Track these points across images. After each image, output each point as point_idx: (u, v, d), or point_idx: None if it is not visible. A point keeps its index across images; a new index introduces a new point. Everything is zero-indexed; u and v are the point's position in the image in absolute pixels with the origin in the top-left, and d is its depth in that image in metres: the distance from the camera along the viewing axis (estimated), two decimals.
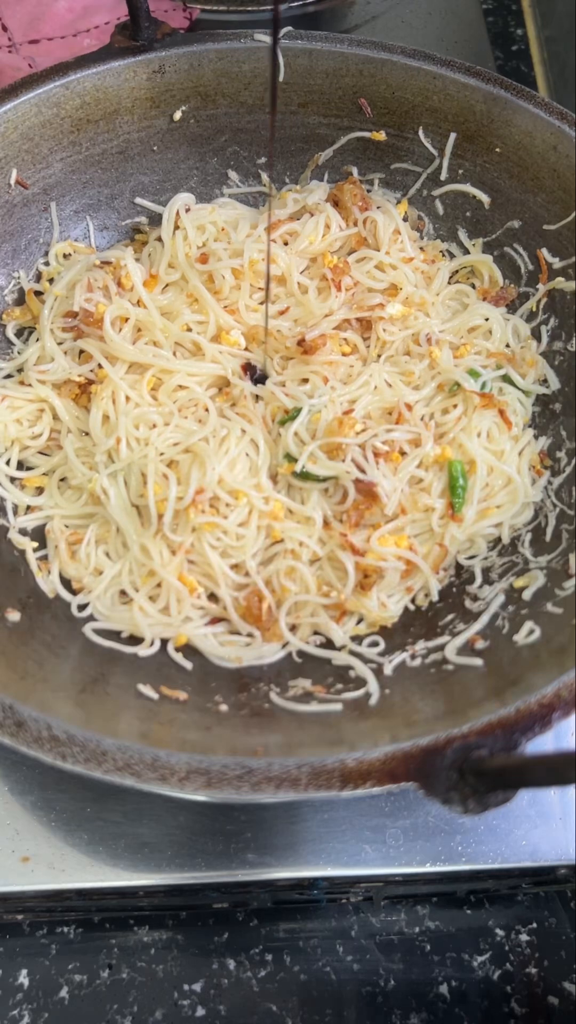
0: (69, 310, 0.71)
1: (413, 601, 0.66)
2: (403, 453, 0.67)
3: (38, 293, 0.74)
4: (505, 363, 0.72)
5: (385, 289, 0.75)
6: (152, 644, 0.62)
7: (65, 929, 0.67)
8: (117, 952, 0.66)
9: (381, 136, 0.79)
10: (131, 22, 0.74)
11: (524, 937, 0.67)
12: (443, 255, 0.79)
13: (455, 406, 0.70)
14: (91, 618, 0.63)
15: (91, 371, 0.70)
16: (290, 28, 0.76)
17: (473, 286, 0.78)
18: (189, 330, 0.71)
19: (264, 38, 0.75)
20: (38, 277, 0.75)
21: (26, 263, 0.75)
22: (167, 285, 0.74)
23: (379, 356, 0.74)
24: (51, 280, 0.75)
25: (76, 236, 0.77)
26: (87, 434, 0.69)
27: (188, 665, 0.61)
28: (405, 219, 0.79)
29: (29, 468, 0.70)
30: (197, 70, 0.76)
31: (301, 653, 0.63)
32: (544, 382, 0.72)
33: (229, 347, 0.71)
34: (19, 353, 0.73)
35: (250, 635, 0.63)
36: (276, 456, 0.67)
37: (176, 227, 0.73)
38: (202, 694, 0.59)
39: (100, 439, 0.67)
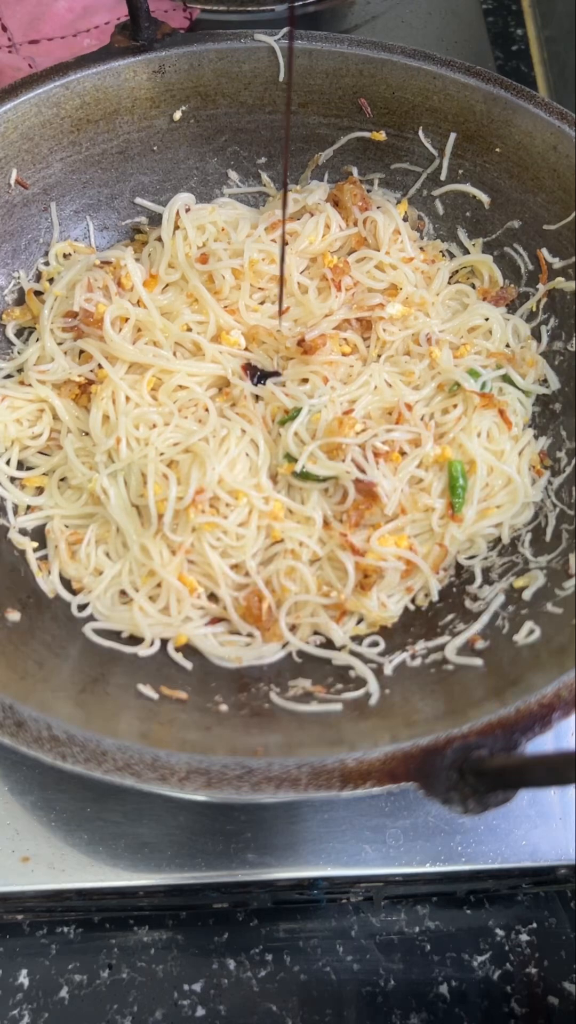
0: (69, 310, 0.71)
1: (413, 601, 0.66)
2: (403, 453, 0.67)
3: (38, 293, 0.74)
4: (505, 363, 0.72)
5: (385, 289, 0.75)
6: (152, 644, 0.62)
7: (65, 929, 0.67)
8: (117, 952, 0.66)
9: (381, 136, 0.79)
10: (131, 22, 0.74)
11: (524, 937, 0.67)
12: (443, 255, 0.79)
13: (455, 406, 0.70)
14: (91, 618, 0.63)
15: (91, 371, 0.70)
16: (290, 28, 0.76)
17: (473, 286, 0.78)
18: (189, 330, 0.71)
19: (264, 38, 0.75)
20: (38, 277, 0.76)
21: (26, 263, 0.75)
22: (167, 285, 0.74)
23: (379, 356, 0.74)
24: (51, 280, 0.75)
25: (76, 236, 0.78)
26: (87, 434, 0.69)
27: (188, 665, 0.61)
28: (405, 219, 0.79)
29: (29, 468, 0.71)
30: (197, 70, 0.76)
31: (301, 653, 0.63)
32: (544, 382, 0.72)
33: (229, 347, 0.71)
34: (19, 353, 0.73)
35: (250, 635, 0.63)
36: (276, 456, 0.67)
37: (176, 227, 0.73)
38: (202, 694, 0.59)
39: (100, 439, 0.67)
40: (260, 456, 0.67)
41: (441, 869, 0.62)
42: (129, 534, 0.64)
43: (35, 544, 0.66)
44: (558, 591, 0.59)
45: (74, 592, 0.65)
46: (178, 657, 0.62)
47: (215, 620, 0.64)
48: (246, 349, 0.72)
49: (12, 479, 0.69)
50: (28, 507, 0.68)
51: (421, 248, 0.79)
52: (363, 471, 0.64)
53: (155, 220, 0.79)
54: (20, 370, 0.72)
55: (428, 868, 0.62)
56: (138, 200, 0.79)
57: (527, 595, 0.61)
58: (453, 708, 0.52)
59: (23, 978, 0.65)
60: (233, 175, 0.81)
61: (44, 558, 0.66)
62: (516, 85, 0.73)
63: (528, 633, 0.57)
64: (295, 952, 0.66)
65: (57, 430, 0.71)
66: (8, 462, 0.69)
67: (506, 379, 0.72)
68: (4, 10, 0.96)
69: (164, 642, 0.63)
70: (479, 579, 0.65)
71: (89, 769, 0.47)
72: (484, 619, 0.61)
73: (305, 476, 0.66)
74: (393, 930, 0.67)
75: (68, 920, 0.67)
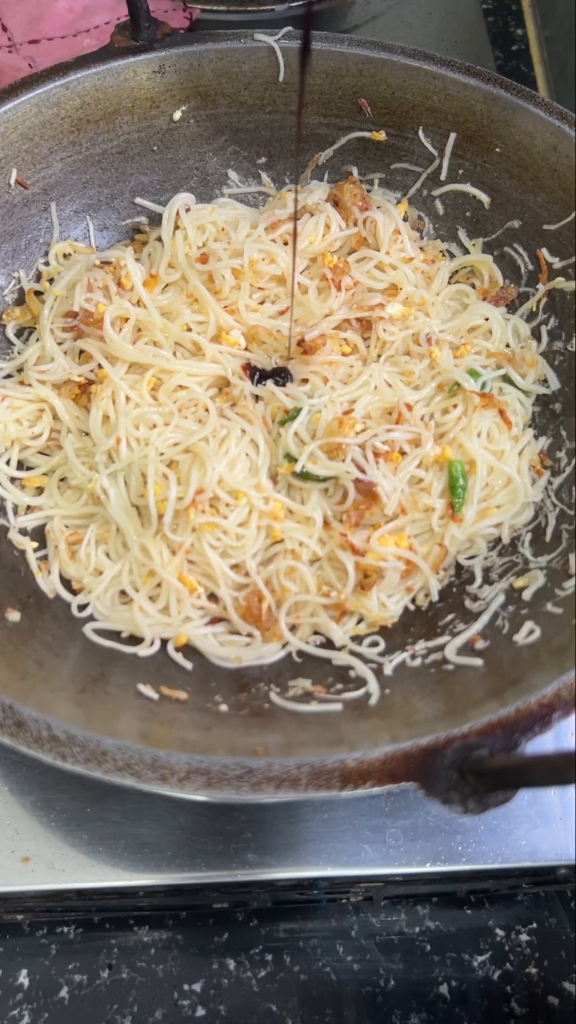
0: (69, 310, 0.71)
1: (413, 601, 0.66)
2: (403, 453, 0.67)
3: (38, 293, 0.74)
4: (505, 363, 0.72)
5: (385, 289, 0.75)
6: (152, 644, 0.62)
7: (65, 929, 0.67)
8: (117, 952, 0.66)
9: (381, 136, 0.79)
10: (131, 22, 0.74)
11: (524, 937, 0.67)
12: (443, 255, 0.79)
13: (455, 406, 0.70)
14: (91, 618, 0.63)
15: (91, 371, 0.70)
16: (290, 28, 0.76)
17: (473, 286, 0.78)
18: (189, 330, 0.71)
19: (264, 38, 0.75)
20: (38, 277, 0.76)
21: (26, 263, 0.75)
22: (167, 285, 0.74)
23: (379, 356, 0.74)
24: (51, 280, 0.75)
25: (76, 236, 0.77)
26: (87, 434, 0.69)
27: (188, 665, 0.61)
28: (405, 219, 0.79)
29: (29, 468, 0.71)
30: (197, 70, 0.76)
31: (301, 653, 0.63)
32: (544, 382, 0.72)
33: (229, 347, 0.71)
34: (19, 353, 0.73)
35: (250, 635, 0.63)
36: (276, 456, 0.67)
37: (176, 227, 0.73)
38: (202, 694, 0.59)
39: (100, 439, 0.67)
40: (260, 456, 0.67)
41: (441, 869, 0.62)
42: (129, 534, 0.64)
43: (35, 544, 0.66)
44: (558, 591, 0.59)
45: (74, 592, 0.65)
46: (178, 657, 0.62)
47: (215, 620, 0.64)
48: (246, 349, 0.72)
49: (12, 479, 0.69)
50: (28, 507, 0.68)
51: (421, 248, 0.79)
52: (363, 471, 0.64)
53: (155, 220, 0.79)
54: (20, 370, 0.72)
55: (428, 868, 0.61)
56: (138, 200, 0.79)
57: (527, 595, 0.61)
58: (453, 708, 0.52)
59: (23, 978, 0.65)
60: (233, 175, 0.81)
61: (44, 558, 0.66)
62: (516, 85, 0.73)
63: (528, 633, 0.57)
64: (295, 952, 0.66)
65: (57, 430, 0.71)
66: (8, 462, 0.69)
67: (506, 379, 0.72)
68: (4, 10, 0.96)
69: (164, 642, 0.63)
70: (479, 579, 0.65)
71: (89, 769, 0.47)
72: (484, 619, 0.61)
73: (305, 476, 0.65)
74: (393, 930, 0.67)
75: (68, 920, 0.67)
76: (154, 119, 0.77)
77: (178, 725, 0.54)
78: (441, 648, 0.60)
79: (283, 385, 0.70)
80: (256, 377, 0.71)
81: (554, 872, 0.64)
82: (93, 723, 0.50)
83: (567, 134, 0.70)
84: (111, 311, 0.69)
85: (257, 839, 0.62)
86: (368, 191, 0.79)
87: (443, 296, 0.76)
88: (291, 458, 0.66)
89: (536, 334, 0.74)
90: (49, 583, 0.65)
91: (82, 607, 0.64)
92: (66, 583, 0.65)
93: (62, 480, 0.69)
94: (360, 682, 0.59)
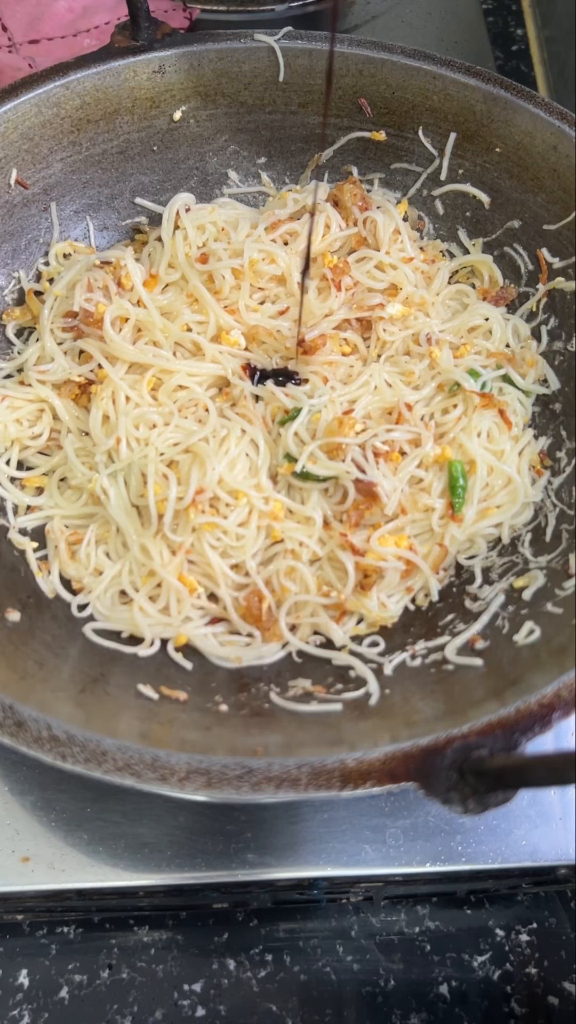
0: (69, 310, 0.71)
1: (413, 601, 0.66)
2: (403, 453, 0.67)
3: (38, 293, 0.74)
4: (505, 363, 0.72)
5: (385, 289, 0.75)
6: (152, 644, 0.62)
7: (65, 929, 0.67)
8: (117, 952, 0.66)
9: (381, 136, 0.79)
10: (131, 22, 0.74)
11: (524, 937, 0.67)
12: (443, 255, 0.79)
13: (455, 406, 0.70)
14: (91, 618, 0.63)
15: (91, 371, 0.70)
16: (290, 28, 0.76)
17: (473, 286, 0.78)
18: (189, 330, 0.71)
19: (264, 38, 0.75)
20: (38, 277, 0.76)
21: (26, 263, 0.75)
22: (167, 285, 0.74)
23: (379, 356, 0.74)
24: (51, 280, 0.75)
25: (76, 236, 0.78)
26: (87, 434, 0.69)
27: (188, 665, 0.61)
28: (405, 219, 0.79)
29: (29, 468, 0.71)
30: (197, 70, 0.76)
31: (301, 653, 0.63)
32: (544, 382, 0.72)
33: (229, 347, 0.71)
34: (19, 353, 0.73)
35: (250, 635, 0.63)
36: (276, 456, 0.67)
37: (176, 227, 0.73)
38: (202, 694, 0.59)
39: (100, 439, 0.67)
40: (260, 456, 0.67)
41: (441, 869, 0.62)
42: (129, 534, 0.64)
43: (35, 544, 0.66)
44: (558, 591, 0.59)
45: (74, 592, 0.65)
46: (178, 657, 0.62)
47: (215, 620, 0.64)
48: (246, 349, 0.72)
49: (12, 479, 0.69)
50: (28, 507, 0.68)
51: (421, 248, 0.79)
52: (363, 471, 0.64)
53: (155, 220, 0.79)
54: (20, 370, 0.72)
55: (428, 868, 0.61)
56: (138, 200, 0.79)
57: (527, 595, 0.61)
58: (453, 708, 0.52)
59: (23, 978, 0.65)
60: (233, 175, 0.81)
61: (44, 558, 0.66)
62: (516, 85, 0.73)
63: (528, 633, 0.57)
64: (295, 952, 0.66)
65: (57, 430, 0.71)
66: (8, 462, 0.69)
67: (506, 379, 0.72)
68: (4, 10, 0.96)
69: (164, 642, 0.63)
70: (479, 579, 0.65)
71: (89, 769, 0.47)
72: (484, 619, 0.61)
73: (305, 476, 0.65)
74: (393, 930, 0.67)
75: (68, 920, 0.67)
76: (154, 119, 0.77)
77: (178, 725, 0.54)
78: (441, 648, 0.60)
79: (285, 385, 0.70)
80: (256, 377, 0.71)
81: (554, 872, 0.64)
82: (93, 723, 0.50)
83: (567, 134, 0.70)
84: (111, 311, 0.69)
85: (257, 839, 0.62)
86: (368, 191, 0.79)
87: (443, 296, 0.76)
88: (291, 458, 0.66)
89: (536, 334, 0.74)
90: (49, 583, 0.65)
91: (82, 607, 0.64)
92: (66, 583, 0.65)
93: (62, 480, 0.69)
94: (360, 682, 0.59)
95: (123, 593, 0.64)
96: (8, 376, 0.72)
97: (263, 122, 0.79)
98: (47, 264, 0.76)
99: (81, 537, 0.66)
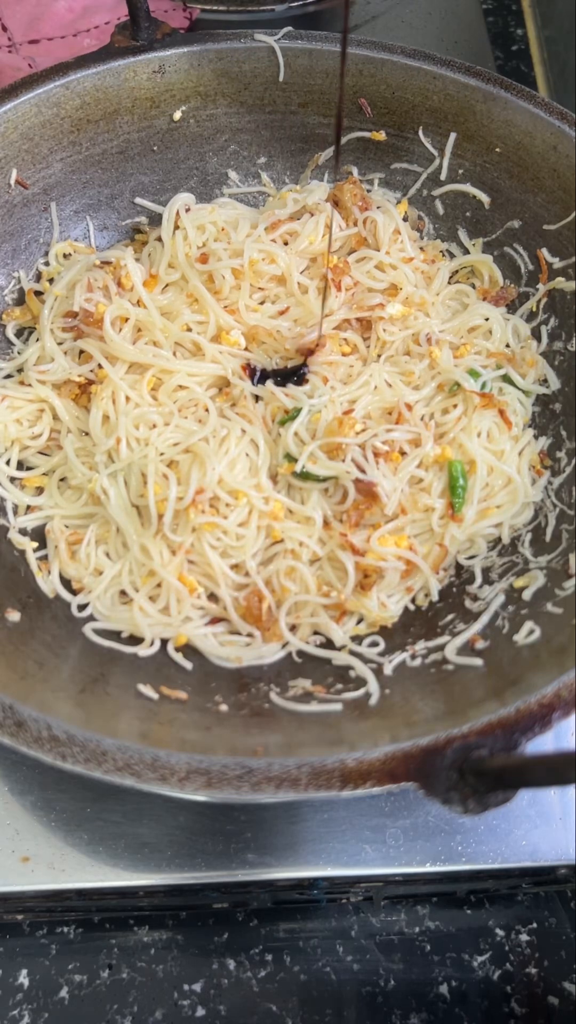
0: (69, 310, 0.71)
1: (413, 601, 0.66)
2: (403, 453, 0.67)
3: (38, 293, 0.74)
4: (505, 363, 0.72)
5: (385, 289, 0.75)
6: (152, 644, 0.62)
7: (65, 929, 0.67)
8: (117, 952, 0.66)
9: (381, 136, 0.79)
10: (131, 22, 0.74)
11: (524, 937, 0.67)
12: (443, 255, 0.79)
13: (455, 406, 0.70)
14: (91, 618, 0.63)
15: (91, 371, 0.70)
16: (290, 28, 0.76)
17: (473, 286, 0.78)
18: (189, 330, 0.71)
19: (264, 38, 0.75)
20: (38, 277, 0.76)
21: (26, 263, 0.75)
22: (167, 285, 0.74)
23: (379, 356, 0.74)
24: (51, 280, 0.75)
25: (76, 236, 0.78)
26: (87, 434, 0.69)
27: (188, 665, 0.61)
28: (405, 219, 0.79)
29: (29, 468, 0.70)
30: (197, 70, 0.76)
31: (301, 653, 0.63)
32: (544, 382, 0.72)
33: (229, 347, 0.71)
34: (19, 353, 0.73)
35: (250, 635, 0.63)
36: (276, 456, 0.67)
37: (176, 227, 0.73)
38: (202, 694, 0.59)
39: (100, 439, 0.67)
40: (260, 456, 0.67)
41: (441, 869, 0.62)
42: (129, 534, 0.64)
43: (35, 544, 0.66)
44: (558, 591, 0.59)
45: (74, 592, 0.65)
46: (178, 657, 0.62)
47: (215, 620, 0.64)
48: (246, 349, 0.72)
49: (12, 479, 0.69)
50: (28, 507, 0.68)
51: (421, 248, 0.79)
52: (363, 471, 0.64)
53: (155, 220, 0.79)
54: (20, 370, 0.72)
55: (428, 868, 0.61)
56: (138, 200, 0.79)
57: (527, 595, 0.61)
58: (453, 708, 0.52)
59: (23, 978, 0.65)
60: (233, 175, 0.81)
61: (44, 558, 0.66)
62: (516, 85, 0.73)
63: (528, 633, 0.57)
64: (295, 952, 0.66)
65: (57, 430, 0.71)
66: (8, 462, 0.69)
67: (506, 379, 0.72)
68: (4, 10, 0.96)
69: (164, 642, 0.63)
70: (479, 579, 0.65)
71: (89, 769, 0.47)
72: (484, 619, 0.61)
73: (305, 476, 0.65)
74: (393, 930, 0.67)
75: (68, 920, 0.67)
76: (154, 119, 0.77)
77: (178, 725, 0.54)
78: (441, 648, 0.60)
79: (285, 385, 0.70)
80: (256, 377, 0.71)
81: (554, 872, 0.64)
82: (93, 723, 0.50)
83: (567, 134, 0.70)
84: (111, 311, 0.69)
85: (257, 839, 0.62)
86: (368, 191, 0.79)
87: (443, 296, 0.76)
88: (291, 458, 0.66)
89: (536, 334, 0.74)
90: (49, 583, 0.65)
91: (82, 607, 0.64)
92: (66, 583, 0.65)
93: (62, 480, 0.69)
94: (360, 682, 0.59)
95: (123, 593, 0.64)
96: (8, 376, 0.72)
97: (263, 122, 0.79)
98: (47, 264, 0.76)
99: (81, 537, 0.66)
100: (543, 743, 0.64)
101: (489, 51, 1.07)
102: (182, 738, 0.51)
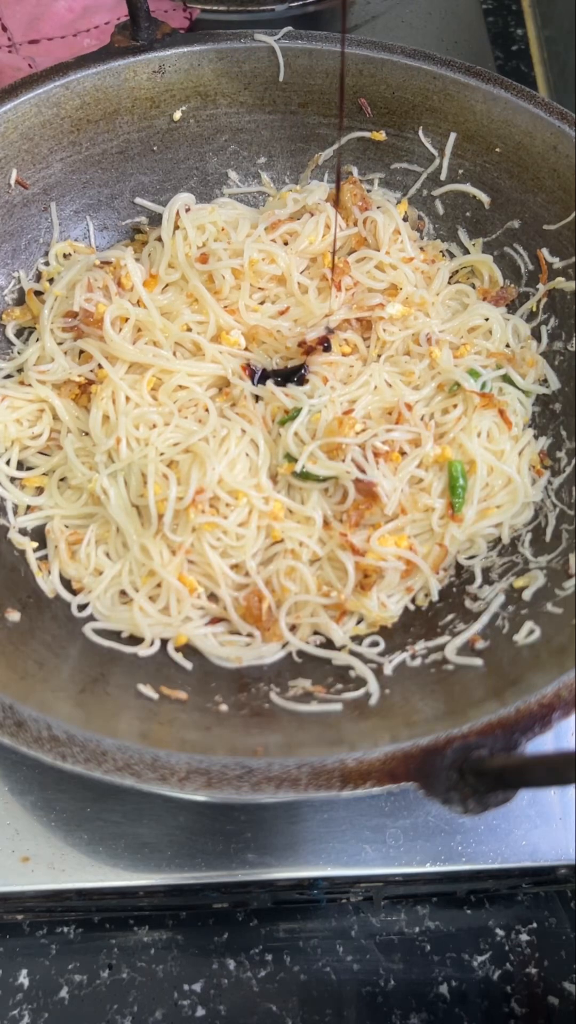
0: (69, 310, 0.71)
1: (413, 601, 0.66)
2: (403, 453, 0.67)
3: (38, 293, 0.74)
4: (505, 363, 0.72)
5: (385, 289, 0.75)
6: (152, 644, 0.62)
7: (65, 929, 0.67)
8: (117, 952, 0.66)
9: (381, 136, 0.79)
10: (131, 22, 0.74)
11: (524, 937, 0.67)
12: (443, 255, 0.79)
13: (455, 406, 0.70)
14: (91, 618, 0.63)
15: (91, 371, 0.70)
16: (290, 28, 0.76)
17: (473, 286, 0.78)
18: (189, 330, 0.71)
19: (264, 38, 0.75)
20: (38, 277, 0.76)
21: (26, 263, 0.75)
22: (167, 285, 0.74)
23: (379, 356, 0.74)
24: (51, 280, 0.75)
25: (76, 236, 0.78)
26: (87, 434, 0.69)
27: (188, 665, 0.61)
28: (405, 219, 0.79)
29: (29, 468, 0.71)
30: (197, 70, 0.76)
31: (301, 653, 0.63)
32: (544, 382, 0.72)
33: (229, 347, 0.71)
34: (19, 353, 0.73)
35: (250, 635, 0.63)
36: (276, 456, 0.67)
37: (176, 227, 0.73)
38: (202, 694, 0.59)
39: (100, 439, 0.67)
40: (260, 456, 0.67)
41: (441, 869, 0.62)
42: (129, 534, 0.64)
43: (35, 544, 0.66)
44: (558, 591, 0.59)
45: (74, 592, 0.65)
46: (178, 657, 0.62)
47: (215, 620, 0.64)
48: (246, 349, 0.72)
49: (12, 479, 0.69)
50: (28, 507, 0.68)
51: (421, 248, 0.79)
52: (363, 471, 0.64)
53: (155, 220, 0.79)
54: (20, 370, 0.72)
55: (428, 868, 0.61)
56: (138, 200, 0.79)
57: (527, 595, 0.61)
58: (453, 708, 0.52)
59: (23, 978, 0.65)
60: (233, 175, 0.81)
61: (44, 558, 0.66)
62: (516, 85, 0.73)
63: (528, 633, 0.57)
64: (295, 952, 0.66)
65: (57, 430, 0.71)
66: (8, 462, 0.69)
67: (506, 379, 0.72)
68: (4, 10, 0.96)
69: (164, 642, 0.63)
70: (479, 579, 0.65)
71: (89, 769, 0.47)
72: (484, 619, 0.61)
73: (305, 476, 0.65)
74: (393, 930, 0.67)
75: (68, 920, 0.67)
76: (154, 119, 0.77)
77: (178, 725, 0.54)
78: (441, 648, 0.60)
79: (285, 385, 0.70)
80: (256, 377, 0.71)
81: (554, 872, 0.64)
82: (93, 723, 0.50)
83: (567, 134, 0.70)
84: (111, 311, 0.69)
85: (257, 839, 0.62)
86: (368, 191, 0.79)
87: (443, 296, 0.76)
88: (291, 458, 0.66)
89: (536, 334, 0.74)
90: (49, 583, 0.65)
91: (82, 607, 0.64)
92: (66, 583, 0.65)
93: (62, 480, 0.69)
94: (360, 682, 0.59)
95: (123, 593, 0.64)
96: (8, 376, 0.72)
97: (263, 122, 0.79)
98: (47, 264, 0.76)
99: (81, 537, 0.66)
100: (543, 743, 0.64)
101: (489, 51, 1.07)
102: (182, 738, 0.51)
